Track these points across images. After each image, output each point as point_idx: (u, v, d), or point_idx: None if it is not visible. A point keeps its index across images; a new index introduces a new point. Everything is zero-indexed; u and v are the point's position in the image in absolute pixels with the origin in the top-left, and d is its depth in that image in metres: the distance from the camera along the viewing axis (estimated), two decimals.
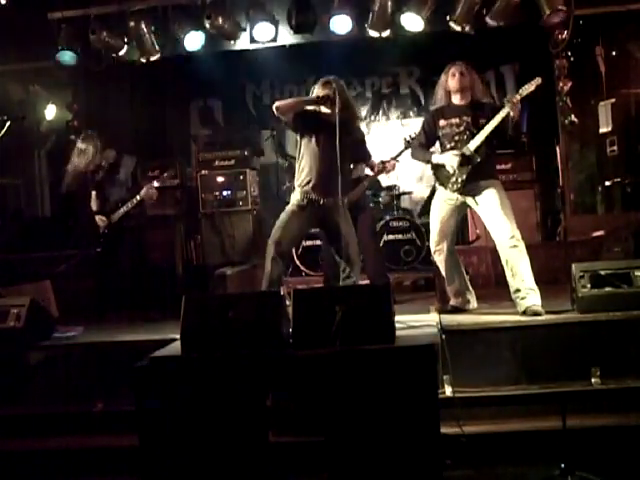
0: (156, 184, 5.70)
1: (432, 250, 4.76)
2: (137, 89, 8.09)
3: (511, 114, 4.36)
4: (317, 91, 4.50)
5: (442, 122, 4.61)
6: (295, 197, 4.57)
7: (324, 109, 4.51)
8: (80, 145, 5.62)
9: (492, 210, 4.47)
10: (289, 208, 4.56)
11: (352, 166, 5.20)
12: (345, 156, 4.45)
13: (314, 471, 3.41)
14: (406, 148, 5.44)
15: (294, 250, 6.68)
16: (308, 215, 4.55)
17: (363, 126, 5.26)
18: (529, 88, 4.38)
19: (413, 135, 5.26)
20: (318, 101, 4.46)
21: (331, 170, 4.34)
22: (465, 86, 4.54)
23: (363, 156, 5.18)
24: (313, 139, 4.50)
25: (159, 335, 4.46)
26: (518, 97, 4.36)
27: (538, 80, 4.39)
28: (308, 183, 4.50)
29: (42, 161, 8.23)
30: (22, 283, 5.54)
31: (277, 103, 4.45)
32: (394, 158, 5.63)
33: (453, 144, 4.55)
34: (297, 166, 4.62)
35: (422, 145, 4.75)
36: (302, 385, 3.41)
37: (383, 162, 5.36)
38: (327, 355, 3.31)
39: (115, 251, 5.76)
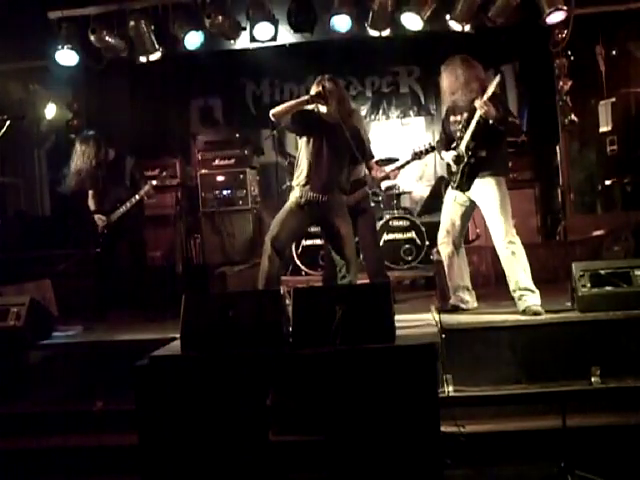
0: (154, 183, 5.70)
1: (438, 243, 4.77)
2: (137, 88, 8.09)
3: (484, 115, 4.30)
4: (311, 90, 4.53)
5: (452, 118, 4.68)
6: (294, 195, 4.60)
7: (321, 108, 4.52)
8: (80, 147, 5.60)
9: (490, 209, 4.48)
10: (287, 205, 4.60)
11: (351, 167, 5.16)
12: (343, 155, 4.50)
13: (314, 470, 3.41)
14: (413, 159, 5.44)
15: (294, 249, 6.68)
16: (306, 213, 4.57)
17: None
18: (491, 88, 4.32)
19: (421, 147, 5.23)
20: (310, 100, 4.49)
21: (329, 169, 4.43)
22: (454, 87, 4.52)
23: (361, 154, 4.78)
24: (312, 138, 4.52)
25: (159, 334, 4.46)
26: (485, 98, 4.31)
27: (497, 78, 4.37)
28: (307, 182, 4.52)
29: (42, 160, 8.25)
30: (22, 282, 5.55)
31: (272, 111, 4.50)
32: (398, 168, 5.62)
33: (458, 141, 4.60)
34: (296, 165, 4.66)
35: (442, 143, 4.80)
36: (302, 384, 3.40)
37: (386, 171, 5.39)
38: (327, 354, 3.31)
39: (115, 250, 5.75)
